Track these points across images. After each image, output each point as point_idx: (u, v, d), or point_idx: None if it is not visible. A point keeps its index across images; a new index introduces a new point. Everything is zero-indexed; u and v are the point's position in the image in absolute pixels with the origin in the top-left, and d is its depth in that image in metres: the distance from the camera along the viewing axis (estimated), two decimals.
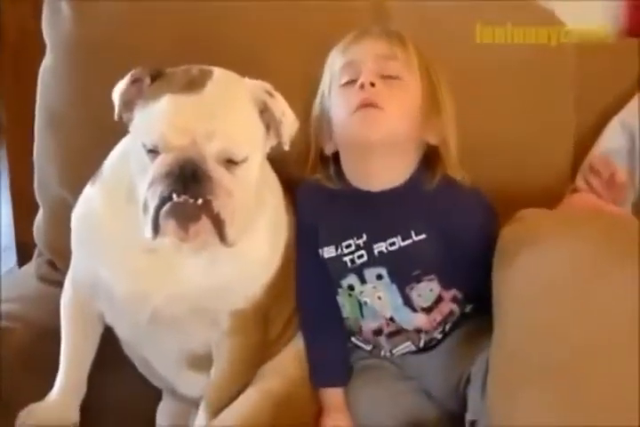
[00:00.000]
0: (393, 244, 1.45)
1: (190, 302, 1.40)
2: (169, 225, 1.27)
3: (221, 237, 1.29)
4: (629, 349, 1.17)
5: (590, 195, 1.61)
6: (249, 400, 1.44)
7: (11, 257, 2.04)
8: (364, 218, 1.47)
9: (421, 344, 1.53)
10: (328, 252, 1.50)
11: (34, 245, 1.81)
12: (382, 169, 1.45)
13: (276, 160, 1.45)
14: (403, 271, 1.47)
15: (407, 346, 1.53)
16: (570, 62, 1.73)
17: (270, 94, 1.35)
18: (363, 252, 1.47)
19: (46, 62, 1.71)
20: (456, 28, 1.70)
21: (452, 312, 1.52)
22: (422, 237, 1.44)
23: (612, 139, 1.73)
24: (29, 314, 1.64)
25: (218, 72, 1.34)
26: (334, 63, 1.48)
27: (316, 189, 1.51)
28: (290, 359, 1.52)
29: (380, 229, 1.46)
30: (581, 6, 1.83)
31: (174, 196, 1.25)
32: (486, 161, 1.63)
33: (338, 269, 1.50)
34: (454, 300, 1.51)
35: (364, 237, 1.47)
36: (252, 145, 1.34)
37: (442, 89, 1.47)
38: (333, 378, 1.52)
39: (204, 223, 1.27)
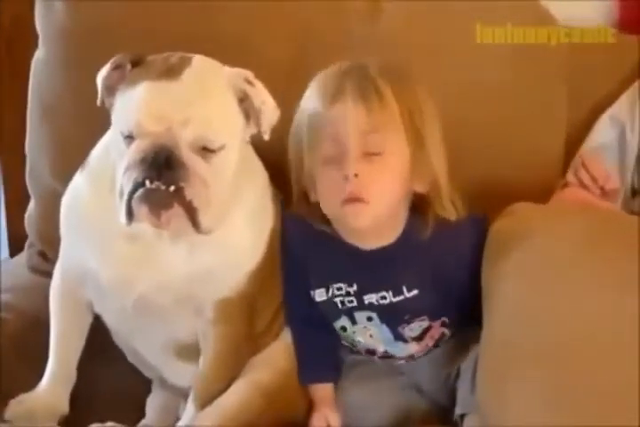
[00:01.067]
0: (384, 297, 1.44)
1: (174, 289, 1.41)
2: (141, 211, 1.28)
3: (195, 224, 1.30)
4: (615, 342, 1.18)
5: (581, 190, 1.61)
6: (238, 392, 1.43)
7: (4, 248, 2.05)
8: (355, 269, 1.45)
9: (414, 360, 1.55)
10: (320, 295, 1.48)
11: (25, 236, 1.81)
12: (372, 234, 1.42)
13: (264, 147, 1.44)
14: (393, 317, 1.47)
15: (400, 362, 1.55)
16: (562, 58, 1.72)
17: (250, 83, 1.35)
18: (352, 298, 1.46)
19: (39, 55, 1.72)
20: (450, 27, 1.69)
21: (443, 334, 1.51)
22: (415, 292, 1.43)
23: (602, 134, 1.72)
24: (21, 304, 1.65)
25: (197, 60, 1.34)
26: (311, 122, 1.39)
27: (303, 225, 1.47)
28: (280, 351, 1.51)
29: (370, 282, 1.45)
30: (575, 3, 1.82)
31: (147, 182, 1.26)
32: (478, 156, 1.64)
33: (330, 310, 1.49)
34: (443, 324, 1.50)
35: (355, 286, 1.45)
36: (229, 133, 1.34)
37: (428, 130, 1.39)
38: (322, 374, 1.51)
39: (176, 210, 1.28)
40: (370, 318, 1.47)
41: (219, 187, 1.32)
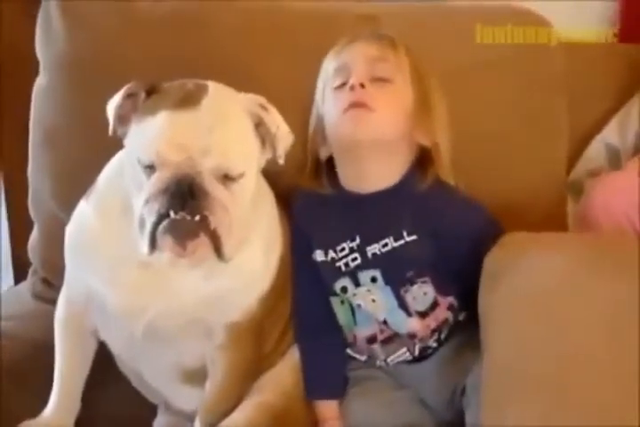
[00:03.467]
0: (385, 245, 1.46)
1: (185, 314, 1.40)
2: (166, 242, 1.28)
3: (218, 252, 1.30)
4: (611, 362, 1.18)
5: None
6: (244, 414, 1.43)
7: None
8: (357, 221, 1.47)
9: (416, 352, 1.52)
10: (321, 255, 1.50)
11: (30, 263, 1.82)
12: (374, 170, 1.45)
13: (271, 171, 1.44)
14: (396, 273, 1.47)
15: (402, 353, 1.53)
16: (562, 67, 1.72)
17: (264, 108, 1.36)
18: (356, 255, 1.47)
19: (40, 81, 1.73)
20: (446, 31, 1.70)
21: (446, 320, 1.51)
22: (414, 237, 1.45)
23: (594, 159, 1.74)
24: (24, 332, 1.64)
25: (213, 87, 1.34)
26: (327, 68, 1.50)
27: (309, 197, 1.52)
28: (286, 372, 1.51)
29: (372, 231, 1.46)
30: (577, 12, 1.87)
31: (171, 212, 1.26)
32: (480, 163, 1.64)
33: (331, 273, 1.50)
34: (450, 308, 1.51)
35: (358, 239, 1.47)
36: (248, 160, 1.34)
37: (433, 92, 1.48)
38: (328, 391, 1.52)
39: (202, 240, 1.28)
40: (374, 279, 1.48)
41: (239, 213, 1.32)
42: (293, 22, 1.70)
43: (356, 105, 1.41)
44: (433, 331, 1.51)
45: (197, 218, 1.26)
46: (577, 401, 1.14)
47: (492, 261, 1.41)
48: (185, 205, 1.26)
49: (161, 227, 1.27)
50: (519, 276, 1.35)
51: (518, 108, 1.69)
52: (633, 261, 1.34)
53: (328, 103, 1.47)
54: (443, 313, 1.51)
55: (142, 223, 1.29)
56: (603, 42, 1.90)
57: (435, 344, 1.52)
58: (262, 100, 1.37)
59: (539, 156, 1.70)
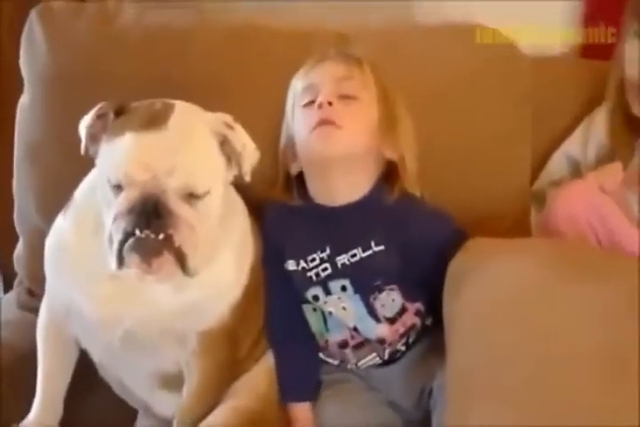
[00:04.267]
0: (354, 255, 1.48)
1: (158, 324, 1.41)
2: (132, 259, 1.29)
3: (184, 269, 1.32)
4: (571, 365, 1.19)
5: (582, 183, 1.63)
6: (220, 418, 1.44)
7: None
8: (327, 232, 1.50)
9: (386, 356, 1.55)
10: (293, 265, 1.52)
11: (16, 274, 1.83)
12: (342, 184, 1.48)
13: (243, 184, 1.44)
14: (365, 281, 1.50)
15: (372, 358, 1.56)
16: (526, 83, 1.74)
17: (230, 127, 1.37)
18: (327, 265, 1.50)
19: (23, 100, 1.74)
20: (416, 49, 1.72)
21: (414, 325, 1.54)
22: (381, 248, 1.47)
23: (556, 171, 1.76)
24: (9, 340, 1.64)
25: (179, 107, 1.36)
26: (296, 86, 1.52)
27: (281, 209, 1.54)
28: (260, 376, 1.53)
29: (342, 242, 1.49)
30: (541, 29, 1.85)
31: (137, 231, 1.27)
32: (447, 174, 1.66)
33: (303, 282, 1.52)
34: (418, 313, 1.54)
35: (328, 250, 1.49)
36: (213, 178, 1.35)
37: (399, 108, 1.51)
38: (302, 393, 1.54)
39: (166, 258, 1.30)
40: (344, 288, 1.50)
41: (205, 230, 1.33)
42: (269, 41, 1.72)
43: (324, 122, 1.42)
44: (401, 336, 1.54)
45: (161, 236, 1.28)
46: (540, 412, 1.14)
47: (456, 265, 1.43)
48: (150, 224, 1.27)
49: (127, 245, 1.28)
50: (483, 280, 1.36)
51: (484, 122, 1.71)
52: (596, 266, 1.37)
53: (297, 121, 1.49)
54: (410, 319, 1.53)
55: (110, 240, 1.30)
56: (567, 52, 1.94)
57: (403, 348, 1.55)
58: (228, 118, 1.37)
59: (503, 168, 1.72)
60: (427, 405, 1.48)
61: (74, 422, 1.54)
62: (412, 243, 1.48)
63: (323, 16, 1.88)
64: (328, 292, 1.52)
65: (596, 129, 1.72)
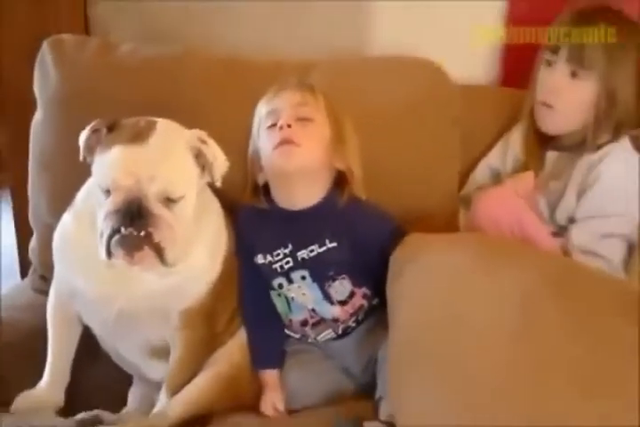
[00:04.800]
0: (312, 251, 1.48)
1: (147, 303, 1.42)
2: (118, 252, 1.31)
3: (162, 261, 1.33)
4: (492, 342, 1.19)
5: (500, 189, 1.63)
6: (200, 382, 1.45)
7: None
8: (289, 232, 1.50)
9: (340, 331, 1.55)
10: (261, 258, 1.52)
11: (31, 263, 1.82)
12: (301, 192, 1.48)
13: (219, 189, 1.46)
14: (321, 272, 1.50)
15: (328, 333, 1.56)
16: (455, 106, 1.73)
17: (204, 141, 1.37)
18: (289, 259, 1.50)
19: (37, 117, 1.73)
20: (365, 80, 1.72)
21: (362, 306, 1.54)
22: (334, 244, 1.48)
23: (480, 179, 1.75)
24: (25, 318, 1.64)
25: (161, 124, 1.37)
26: (261, 111, 1.51)
27: (251, 211, 1.53)
28: (235, 348, 1.52)
29: (301, 240, 1.49)
30: (465, 60, 1.84)
31: (122, 228, 1.29)
32: (389, 187, 1.63)
33: (269, 273, 1.52)
34: (364, 296, 1.54)
35: (290, 246, 1.50)
36: (188, 185, 1.36)
37: (346, 127, 1.51)
38: (270, 361, 1.54)
39: (147, 252, 1.31)
40: (303, 277, 1.51)
41: (181, 228, 1.34)
42: (244, 71, 1.72)
43: (285, 142, 1.42)
44: (352, 315, 1.54)
45: (143, 233, 1.29)
46: (468, 380, 1.15)
47: (396, 256, 1.43)
48: (133, 223, 1.29)
49: (114, 240, 1.30)
50: (418, 268, 1.37)
51: (421, 140, 1.70)
52: (513, 256, 1.37)
53: (263, 140, 1.48)
54: (359, 301, 1.54)
55: (101, 235, 1.31)
56: (490, 84, 1.91)
57: (354, 324, 1.55)
58: (203, 134, 1.38)
59: (436, 177, 1.71)
60: (373, 371, 1.49)
61: (79, 387, 1.53)
62: (359, 239, 1.48)
63: (289, 47, 1.88)
64: (290, 281, 1.52)
65: (513, 144, 1.71)
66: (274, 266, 1.51)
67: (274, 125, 1.46)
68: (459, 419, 1.12)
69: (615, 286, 1.37)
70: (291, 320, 1.57)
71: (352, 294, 1.53)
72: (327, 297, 1.52)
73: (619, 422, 1.06)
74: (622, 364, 1.15)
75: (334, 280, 1.51)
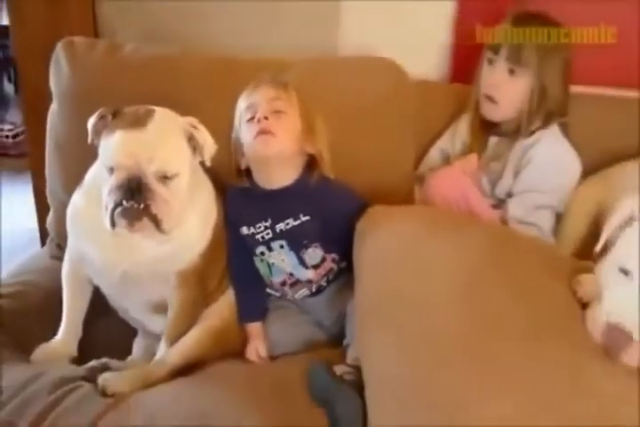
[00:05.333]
0: (288, 224, 1.46)
1: (147, 266, 1.40)
2: (121, 223, 1.29)
3: (159, 230, 1.31)
4: (442, 297, 1.19)
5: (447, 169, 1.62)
6: (194, 334, 1.44)
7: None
8: (269, 207, 1.47)
9: (314, 290, 1.53)
10: (245, 230, 1.50)
11: (48, 234, 1.80)
12: (277, 174, 1.46)
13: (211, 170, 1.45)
14: (296, 242, 1.48)
15: (304, 291, 1.53)
16: (412, 100, 1.70)
17: (195, 127, 1.36)
18: (269, 231, 1.48)
19: (52, 108, 1.70)
20: (332, 77, 1.68)
21: (332, 268, 1.52)
22: (307, 218, 1.45)
23: (431, 160, 1.73)
24: (42, 280, 1.63)
25: (158, 112, 1.35)
26: (241, 106, 1.48)
27: (237, 191, 1.51)
28: (224, 305, 1.50)
29: (279, 215, 1.46)
30: (419, 57, 1.81)
31: (124, 202, 1.28)
32: (355, 169, 1.58)
33: (253, 242, 1.50)
34: (334, 260, 1.52)
35: (269, 220, 1.47)
36: (181, 164, 1.34)
37: (316, 118, 1.48)
38: (254, 316, 1.51)
39: (145, 222, 1.29)
40: (282, 246, 1.48)
41: (176, 201, 1.32)
42: (232, 69, 1.67)
43: (262, 132, 1.40)
44: (323, 276, 1.52)
45: (142, 206, 1.28)
46: (417, 330, 1.16)
47: (360, 226, 1.42)
48: (133, 197, 1.27)
49: (116, 212, 1.28)
50: (378, 235, 1.36)
51: (382, 129, 1.66)
52: (459, 224, 1.38)
53: (243, 131, 1.45)
54: (329, 264, 1.51)
55: (106, 208, 1.30)
56: (441, 80, 1.88)
57: (325, 284, 1.53)
58: (194, 121, 1.36)
59: (394, 160, 1.69)
60: (342, 323, 1.47)
61: (90, 339, 1.51)
62: (329, 213, 1.46)
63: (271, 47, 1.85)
64: (270, 249, 1.50)
65: (461, 130, 1.69)
66: (256, 236, 1.49)
67: (252, 118, 1.43)
68: (413, 360, 1.13)
69: (545, 250, 1.40)
70: (272, 281, 1.55)
71: (323, 260, 1.50)
72: (302, 263, 1.50)
73: (553, 359, 1.08)
74: (554, 313, 1.16)
75: (308, 248, 1.48)
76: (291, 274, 1.52)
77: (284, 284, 1.54)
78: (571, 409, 0.99)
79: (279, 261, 1.51)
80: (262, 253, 1.51)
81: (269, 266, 1.52)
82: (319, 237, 1.48)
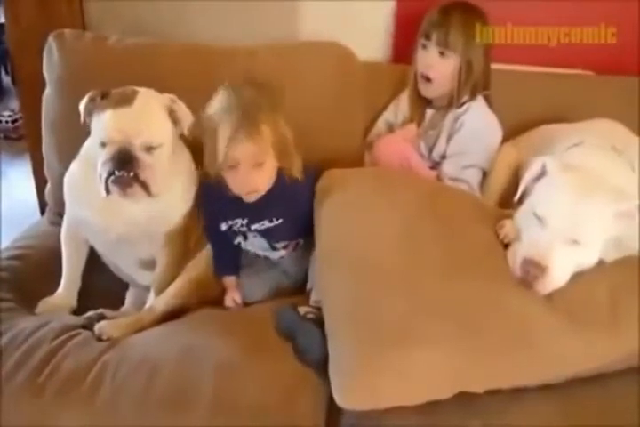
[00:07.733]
0: (263, 224, 1.43)
1: (137, 228, 1.41)
2: (114, 189, 1.31)
3: (148, 193, 1.33)
4: (384, 242, 1.23)
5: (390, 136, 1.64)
6: (178, 284, 1.44)
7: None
8: (245, 209, 1.41)
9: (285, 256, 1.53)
10: (224, 226, 1.45)
11: (47, 203, 1.79)
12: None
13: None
14: (270, 236, 1.46)
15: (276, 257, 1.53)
16: (360, 79, 1.71)
17: (174, 101, 1.37)
18: (245, 228, 1.44)
19: (47, 92, 1.68)
20: (291, 61, 1.67)
21: (298, 243, 1.50)
22: (280, 221, 1.42)
23: (378, 129, 1.75)
24: (43, 244, 1.62)
25: (141, 91, 1.35)
26: (220, 143, 1.30)
27: (213, 186, 1.40)
28: (204, 258, 1.49)
29: (255, 217, 1.42)
30: (366, 42, 1.83)
31: (116, 171, 1.29)
32: (313, 141, 1.53)
33: (230, 234, 1.47)
34: (300, 236, 1.49)
35: (246, 220, 1.43)
36: (164, 136, 1.35)
37: (288, 140, 1.36)
38: (230, 269, 1.51)
39: (135, 188, 1.31)
40: (255, 236, 1.47)
41: (161, 169, 1.34)
42: (205, 57, 1.66)
43: (249, 193, 1.36)
44: (293, 249, 1.51)
45: (132, 174, 1.30)
46: (367, 273, 1.21)
47: (319, 187, 1.43)
48: (124, 167, 1.29)
49: (110, 180, 1.30)
50: (332, 194, 1.39)
51: (335, 106, 1.66)
52: (400, 181, 1.41)
53: (226, 175, 1.35)
54: (296, 242, 1.50)
55: (100, 178, 1.31)
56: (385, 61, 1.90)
57: (293, 250, 1.52)
58: (173, 97, 1.38)
59: (346, 131, 1.69)
60: (306, 271, 1.48)
61: (87, 293, 1.52)
62: (301, 213, 1.43)
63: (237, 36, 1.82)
64: (246, 239, 1.48)
65: (402, 104, 1.71)
66: (233, 228, 1.46)
67: (234, 167, 1.32)
68: (362, 289, 1.19)
69: (473, 201, 1.43)
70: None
71: (291, 242, 1.50)
72: (274, 248, 1.49)
73: (475, 285, 1.13)
74: (478, 251, 1.20)
75: (278, 241, 1.48)
76: (265, 257, 1.52)
77: (257, 256, 1.54)
78: (487, 325, 1.05)
79: (254, 248, 1.50)
80: (239, 243, 1.49)
81: (245, 251, 1.52)
82: (289, 233, 1.47)
